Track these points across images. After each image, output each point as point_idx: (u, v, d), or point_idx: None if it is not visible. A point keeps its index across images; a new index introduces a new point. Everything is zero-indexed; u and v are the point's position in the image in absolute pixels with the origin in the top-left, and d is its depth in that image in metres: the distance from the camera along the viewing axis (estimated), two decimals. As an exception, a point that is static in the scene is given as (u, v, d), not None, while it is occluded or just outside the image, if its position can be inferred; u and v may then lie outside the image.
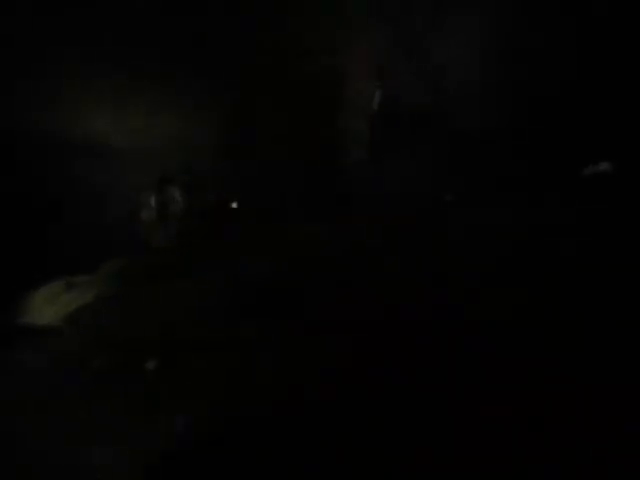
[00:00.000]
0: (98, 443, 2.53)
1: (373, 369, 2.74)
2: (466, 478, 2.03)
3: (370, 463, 2.16)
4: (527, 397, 2.30)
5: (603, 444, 1.99)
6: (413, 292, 3.42)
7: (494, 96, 5.44)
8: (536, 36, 5.31)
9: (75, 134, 5.83)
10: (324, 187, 5.87)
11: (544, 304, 2.96)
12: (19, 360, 3.45)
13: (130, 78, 5.90)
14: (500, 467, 2.02)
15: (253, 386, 2.84)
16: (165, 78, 5.98)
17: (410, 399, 2.45)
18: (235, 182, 6.09)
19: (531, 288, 3.16)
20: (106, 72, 5.83)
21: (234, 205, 5.90)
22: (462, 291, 3.31)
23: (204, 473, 2.31)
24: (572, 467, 1.95)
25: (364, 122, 6.15)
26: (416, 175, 5.50)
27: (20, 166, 5.66)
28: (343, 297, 3.55)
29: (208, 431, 2.54)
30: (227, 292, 3.95)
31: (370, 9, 5.94)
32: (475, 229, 4.17)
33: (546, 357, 2.54)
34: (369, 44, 6.02)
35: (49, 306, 4.36)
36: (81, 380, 3.09)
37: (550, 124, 5.20)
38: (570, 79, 5.14)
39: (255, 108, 6.19)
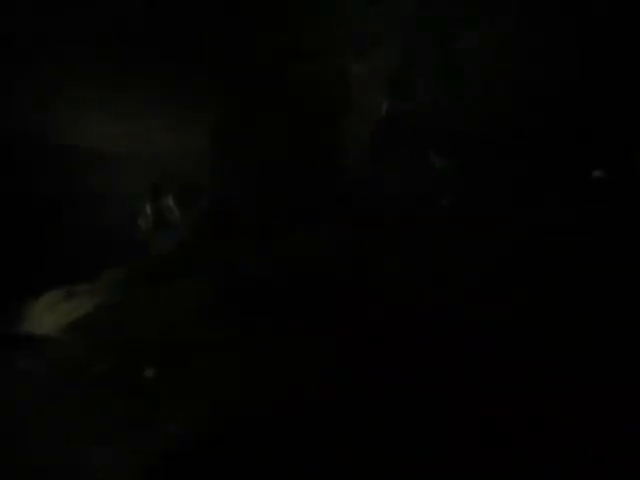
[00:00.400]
0: (98, 444, 2.54)
1: (373, 369, 2.74)
2: (466, 478, 2.03)
3: (370, 463, 2.16)
4: (527, 397, 2.30)
5: (603, 444, 1.99)
6: (413, 292, 3.42)
7: (494, 96, 5.45)
8: (537, 36, 5.31)
9: (74, 135, 5.84)
10: (324, 187, 5.87)
11: (544, 304, 2.96)
12: (20, 367, 3.45)
13: (130, 79, 5.91)
14: (500, 467, 2.02)
15: (253, 386, 2.84)
16: (165, 79, 5.99)
17: (410, 399, 2.45)
18: (235, 183, 6.09)
19: (531, 288, 3.16)
20: (106, 74, 5.83)
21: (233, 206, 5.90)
22: (462, 291, 3.31)
23: (204, 473, 2.31)
24: (572, 467, 1.95)
25: (364, 122, 6.15)
26: (416, 175, 5.50)
27: (20, 166, 5.66)
28: (343, 297, 3.55)
29: (208, 431, 2.54)
30: (227, 292, 3.95)
31: (370, 10, 5.94)
32: (475, 229, 4.17)
33: (546, 357, 2.54)
34: (371, 45, 6.02)
35: (49, 315, 4.36)
36: (81, 385, 3.09)
37: (550, 124, 5.20)
38: (570, 79, 5.14)
39: (255, 109, 6.19)
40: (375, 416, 2.39)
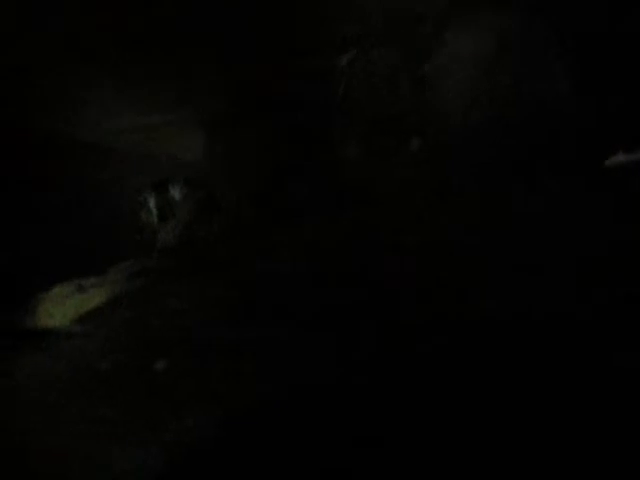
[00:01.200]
0: (108, 443, 2.54)
1: (373, 369, 2.74)
2: (466, 478, 2.03)
3: (370, 463, 2.17)
4: (527, 397, 2.31)
5: (604, 444, 1.99)
6: (413, 292, 3.43)
7: (497, 94, 5.45)
8: (537, 36, 5.31)
9: (76, 133, 5.84)
10: (324, 186, 5.88)
11: (544, 303, 2.96)
12: (29, 361, 3.46)
13: (130, 78, 5.91)
14: (500, 467, 2.03)
15: (253, 386, 2.85)
16: (165, 78, 5.99)
17: (410, 399, 2.46)
18: (238, 182, 6.10)
19: (531, 287, 3.16)
20: (107, 73, 5.84)
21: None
22: (463, 290, 3.31)
23: (207, 473, 2.32)
24: (573, 467, 1.95)
25: (365, 121, 6.15)
26: (414, 174, 5.51)
27: (20, 166, 5.67)
28: (343, 296, 3.56)
29: (210, 432, 2.55)
30: (246, 291, 3.95)
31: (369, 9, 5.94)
32: (476, 228, 4.18)
33: (546, 357, 2.54)
34: (370, 44, 6.03)
35: (59, 308, 4.37)
36: (92, 381, 3.09)
37: (550, 124, 5.20)
38: (571, 79, 5.14)
39: (255, 107, 6.19)
40: (375, 416, 2.40)
